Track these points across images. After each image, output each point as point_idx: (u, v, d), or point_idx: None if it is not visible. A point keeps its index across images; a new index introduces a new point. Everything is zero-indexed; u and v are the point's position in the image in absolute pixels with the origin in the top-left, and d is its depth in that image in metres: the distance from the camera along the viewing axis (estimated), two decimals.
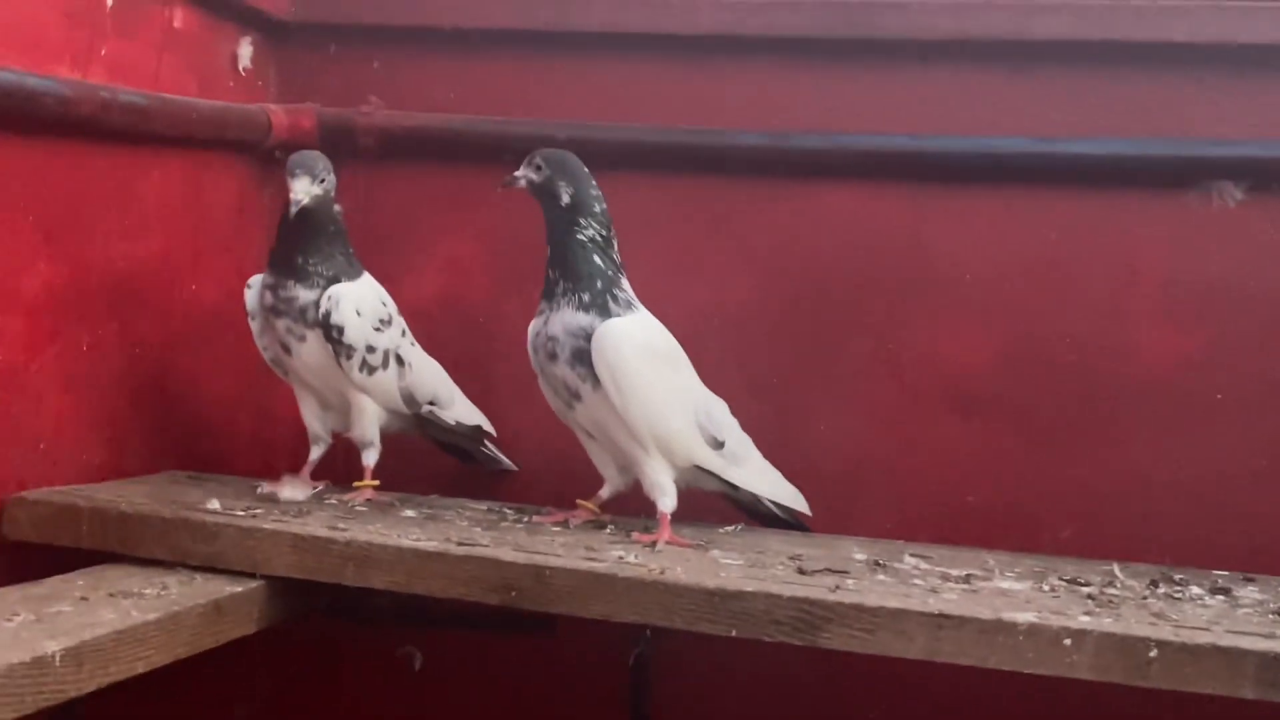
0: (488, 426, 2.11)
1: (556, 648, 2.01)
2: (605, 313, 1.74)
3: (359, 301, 1.87)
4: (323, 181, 1.83)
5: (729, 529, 1.87)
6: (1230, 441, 2.00)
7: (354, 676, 2.29)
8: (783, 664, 1.96)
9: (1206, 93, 2.01)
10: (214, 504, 1.76)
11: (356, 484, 1.93)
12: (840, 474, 2.11)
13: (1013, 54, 2.07)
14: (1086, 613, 1.47)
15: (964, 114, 2.09)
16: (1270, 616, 1.52)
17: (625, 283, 1.78)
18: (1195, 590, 1.64)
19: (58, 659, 1.32)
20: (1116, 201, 2.05)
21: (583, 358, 1.73)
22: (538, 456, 2.16)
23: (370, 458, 1.94)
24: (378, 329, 1.89)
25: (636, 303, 1.78)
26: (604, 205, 1.77)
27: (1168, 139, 2.02)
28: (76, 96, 1.79)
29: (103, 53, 1.89)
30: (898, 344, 2.12)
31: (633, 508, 1.87)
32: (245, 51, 2.24)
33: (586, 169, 1.79)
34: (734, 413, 1.88)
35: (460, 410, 2.06)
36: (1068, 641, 1.39)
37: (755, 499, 1.89)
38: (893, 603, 1.46)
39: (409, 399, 1.96)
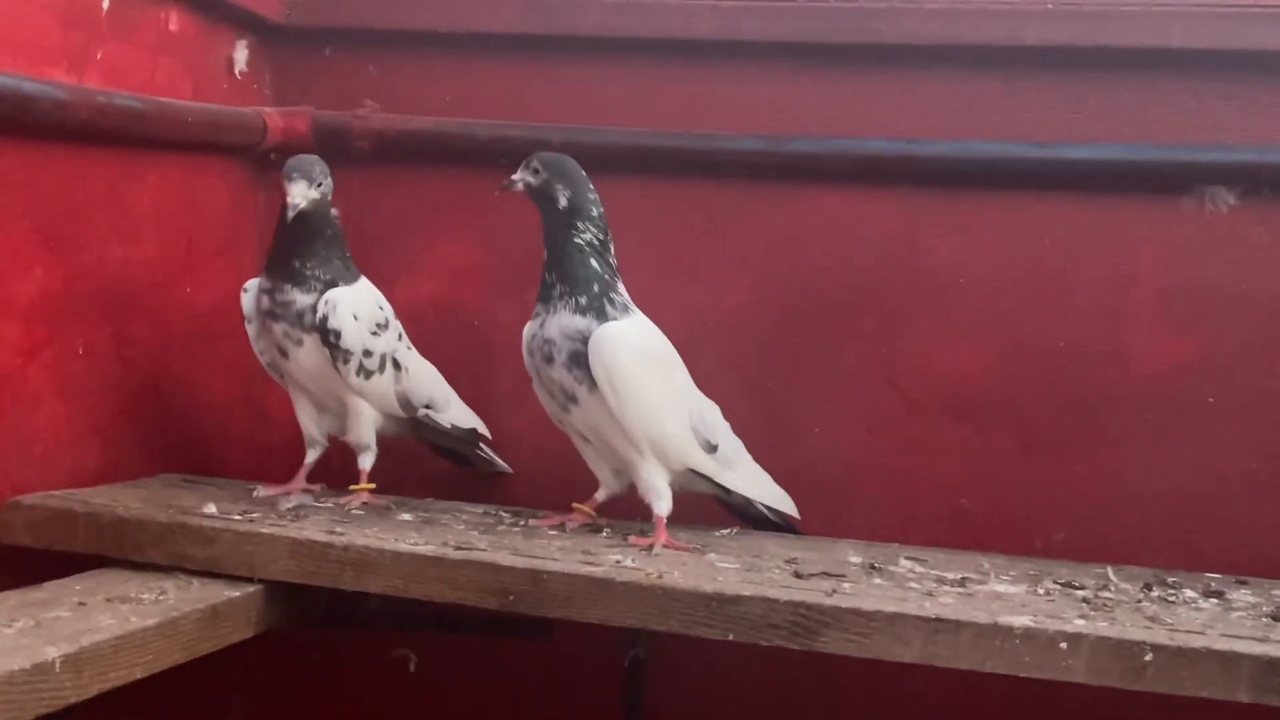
0: (483, 430, 2.11)
1: (552, 651, 2.01)
2: (602, 316, 1.74)
3: (356, 306, 1.87)
4: (320, 185, 1.83)
5: (725, 532, 1.87)
6: (1224, 445, 2.00)
7: (351, 681, 2.28)
8: (777, 666, 1.97)
9: (1200, 98, 2.02)
10: (210, 508, 1.76)
11: (353, 487, 1.93)
12: (835, 477, 2.12)
13: (1007, 60, 2.07)
14: (1081, 616, 1.48)
15: (959, 119, 2.10)
16: (1264, 620, 1.53)
17: (621, 286, 1.79)
18: (1189, 593, 1.64)
19: (58, 665, 1.32)
20: (1110, 206, 2.05)
21: (579, 361, 1.73)
22: (533, 460, 2.16)
23: (366, 461, 1.95)
24: (375, 333, 1.89)
25: (633, 306, 1.78)
26: (601, 209, 1.78)
27: (1161, 144, 2.03)
28: (72, 100, 1.79)
29: (98, 56, 1.89)
30: (892, 348, 2.12)
31: (628, 511, 1.87)
32: (241, 55, 2.23)
33: (584, 173, 1.79)
34: (729, 416, 1.88)
35: (456, 414, 2.06)
36: (1063, 645, 1.40)
37: (747, 502, 1.89)
38: (889, 607, 1.47)
39: (405, 403, 1.96)
